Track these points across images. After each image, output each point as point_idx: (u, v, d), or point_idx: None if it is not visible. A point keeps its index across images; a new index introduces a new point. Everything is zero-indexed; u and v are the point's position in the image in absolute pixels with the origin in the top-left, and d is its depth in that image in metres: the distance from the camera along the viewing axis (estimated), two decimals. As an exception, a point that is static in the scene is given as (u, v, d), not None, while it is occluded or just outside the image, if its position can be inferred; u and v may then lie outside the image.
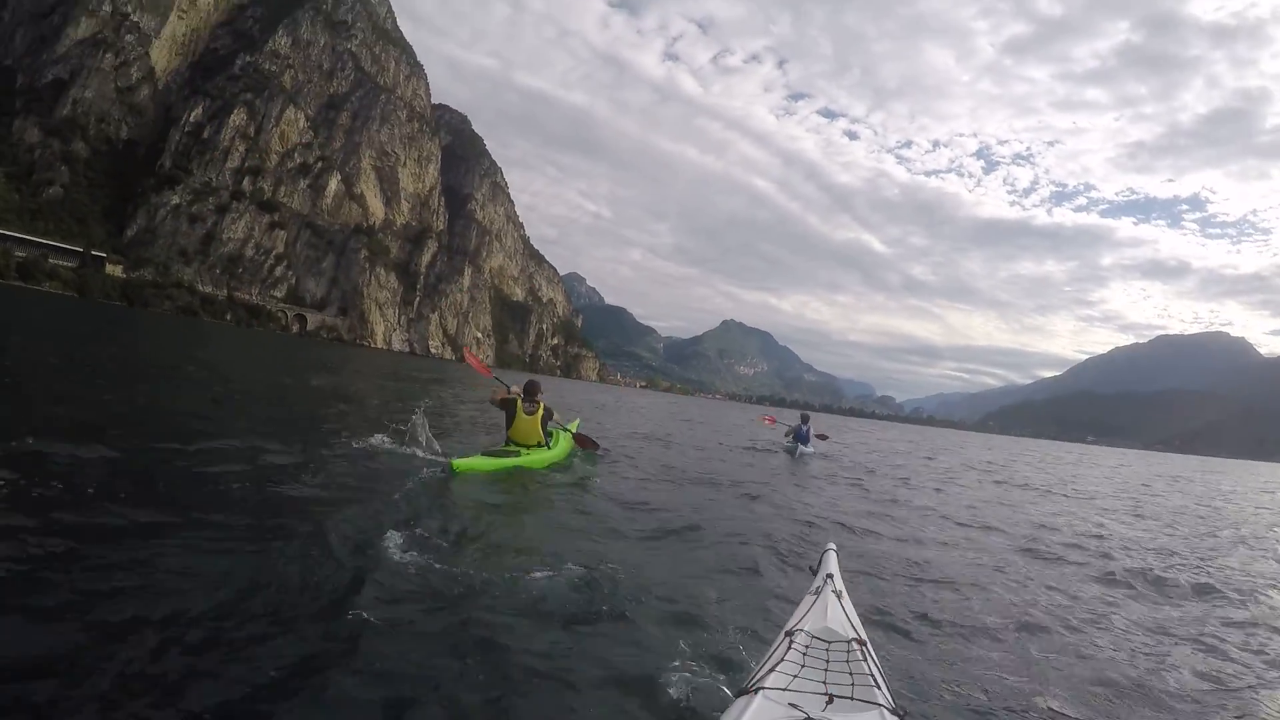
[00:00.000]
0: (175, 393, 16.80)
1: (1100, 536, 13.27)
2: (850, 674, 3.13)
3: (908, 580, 7.75)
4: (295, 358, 52.40)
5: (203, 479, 7.71)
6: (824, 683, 3.06)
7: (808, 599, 4.12)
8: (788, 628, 3.67)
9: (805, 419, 24.17)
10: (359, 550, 5.90)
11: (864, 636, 3.52)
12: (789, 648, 3.38)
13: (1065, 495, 22.92)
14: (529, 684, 4.08)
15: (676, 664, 4.41)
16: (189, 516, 6.14)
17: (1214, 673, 6.08)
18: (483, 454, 11.02)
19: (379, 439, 11.51)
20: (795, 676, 3.12)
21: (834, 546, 4.87)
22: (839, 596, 3.97)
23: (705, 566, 7.13)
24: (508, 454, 11.38)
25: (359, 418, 16.59)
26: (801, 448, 22.55)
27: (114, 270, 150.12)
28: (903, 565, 8.49)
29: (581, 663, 4.41)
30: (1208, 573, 10.71)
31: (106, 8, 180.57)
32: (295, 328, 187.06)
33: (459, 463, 10.12)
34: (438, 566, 5.79)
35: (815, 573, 4.57)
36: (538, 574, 5.93)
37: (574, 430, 14.43)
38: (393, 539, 6.13)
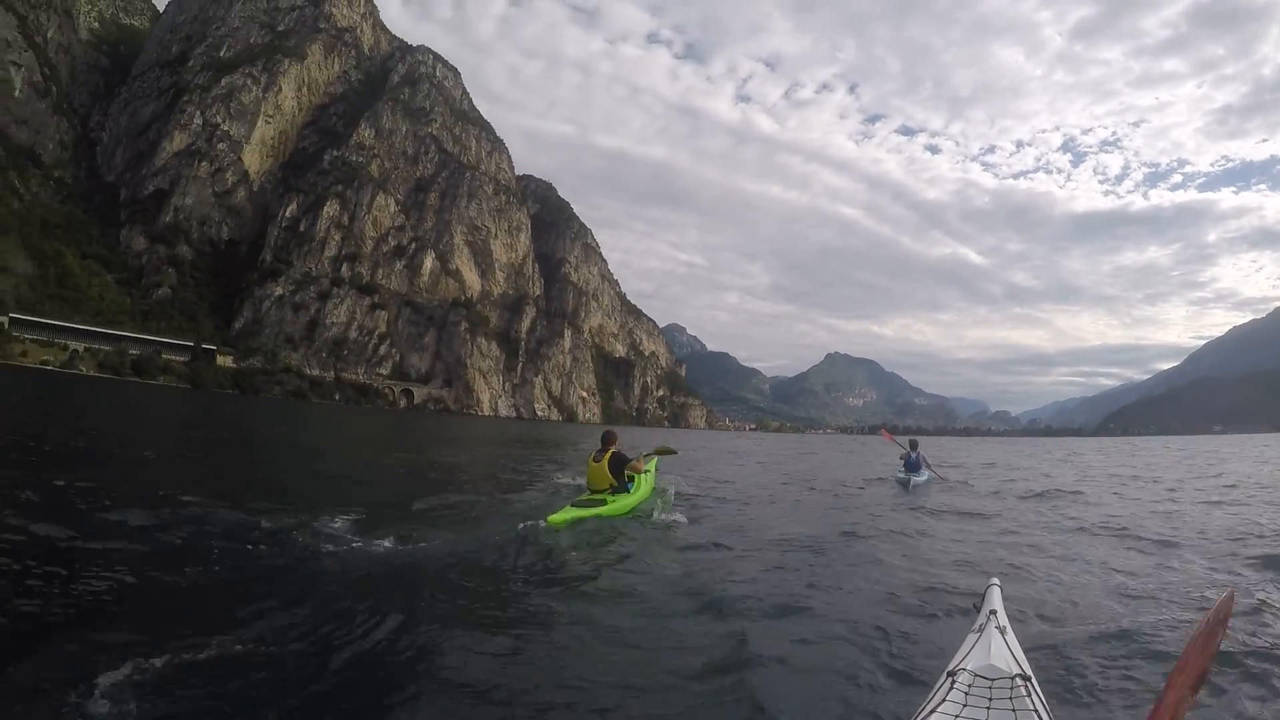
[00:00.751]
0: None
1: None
2: (1014, 711, 3.05)
3: (1074, 610, 7.21)
4: (403, 429, 54.44)
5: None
6: None
7: (970, 637, 3.97)
8: (950, 668, 3.56)
9: (914, 445, 22.64)
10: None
11: (1029, 672, 3.39)
12: (951, 687, 3.29)
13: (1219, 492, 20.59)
14: None
15: (834, 703, 4.54)
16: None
17: None
18: (571, 505, 11.69)
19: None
20: (956, 717, 3.05)
21: (997, 581, 4.64)
22: (1003, 632, 3.84)
23: (845, 612, 6.74)
24: (590, 503, 11.96)
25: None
26: (914, 477, 20.86)
27: (224, 361, 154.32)
28: (1066, 594, 7.84)
29: (730, 714, 4.44)
30: None
31: (198, 121, 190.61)
32: (403, 402, 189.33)
33: (554, 517, 10.77)
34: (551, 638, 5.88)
35: (978, 610, 4.39)
36: (668, 623, 6.23)
37: (653, 467, 14.97)
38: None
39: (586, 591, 7.37)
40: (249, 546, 7.76)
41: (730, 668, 5.05)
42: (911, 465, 21.42)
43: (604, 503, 12.02)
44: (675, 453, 16.74)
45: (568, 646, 5.55)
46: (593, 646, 5.58)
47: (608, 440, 13.03)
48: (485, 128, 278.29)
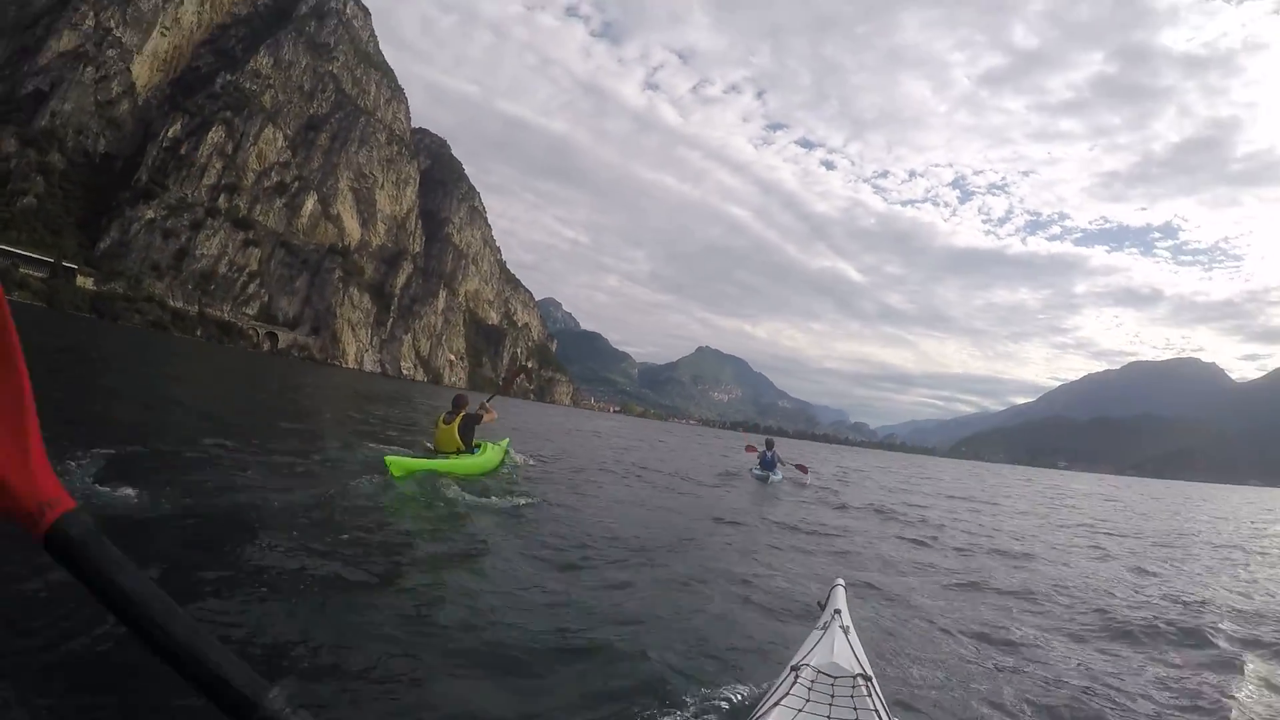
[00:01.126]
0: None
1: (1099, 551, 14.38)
2: (855, 709, 3.11)
3: (914, 614, 7.73)
4: (261, 375, 52.65)
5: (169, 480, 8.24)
6: (829, 717, 3.05)
7: (814, 634, 4.14)
8: (793, 662, 3.69)
9: (770, 444, 24.07)
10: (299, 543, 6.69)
11: (870, 672, 3.52)
12: (794, 682, 3.38)
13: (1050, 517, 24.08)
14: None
15: (677, 699, 4.43)
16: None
17: None
18: (413, 456, 11.92)
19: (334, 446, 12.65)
20: (799, 711, 3.10)
21: (842, 582, 4.88)
22: (846, 632, 3.97)
23: (694, 598, 7.07)
24: (434, 456, 12.40)
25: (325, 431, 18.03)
26: (771, 475, 22.45)
27: (85, 282, 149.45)
28: (907, 598, 8.47)
29: (572, 700, 4.41)
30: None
31: (90, 22, 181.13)
32: (266, 345, 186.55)
33: (393, 460, 10.90)
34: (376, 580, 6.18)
35: (823, 608, 4.61)
36: (503, 603, 6.06)
37: (505, 445, 15.64)
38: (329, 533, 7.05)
39: (417, 548, 7.53)
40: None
41: (565, 649, 5.08)
42: (767, 463, 22.73)
43: (445, 459, 12.31)
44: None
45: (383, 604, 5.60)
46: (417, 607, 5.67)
47: (459, 404, 13.25)
48: (388, 74, 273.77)
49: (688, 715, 4.16)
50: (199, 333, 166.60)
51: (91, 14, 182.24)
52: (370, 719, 3.94)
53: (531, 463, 16.78)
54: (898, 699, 4.80)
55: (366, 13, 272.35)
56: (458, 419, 12.93)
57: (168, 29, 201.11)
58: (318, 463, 11.71)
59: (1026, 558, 13.31)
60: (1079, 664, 6.79)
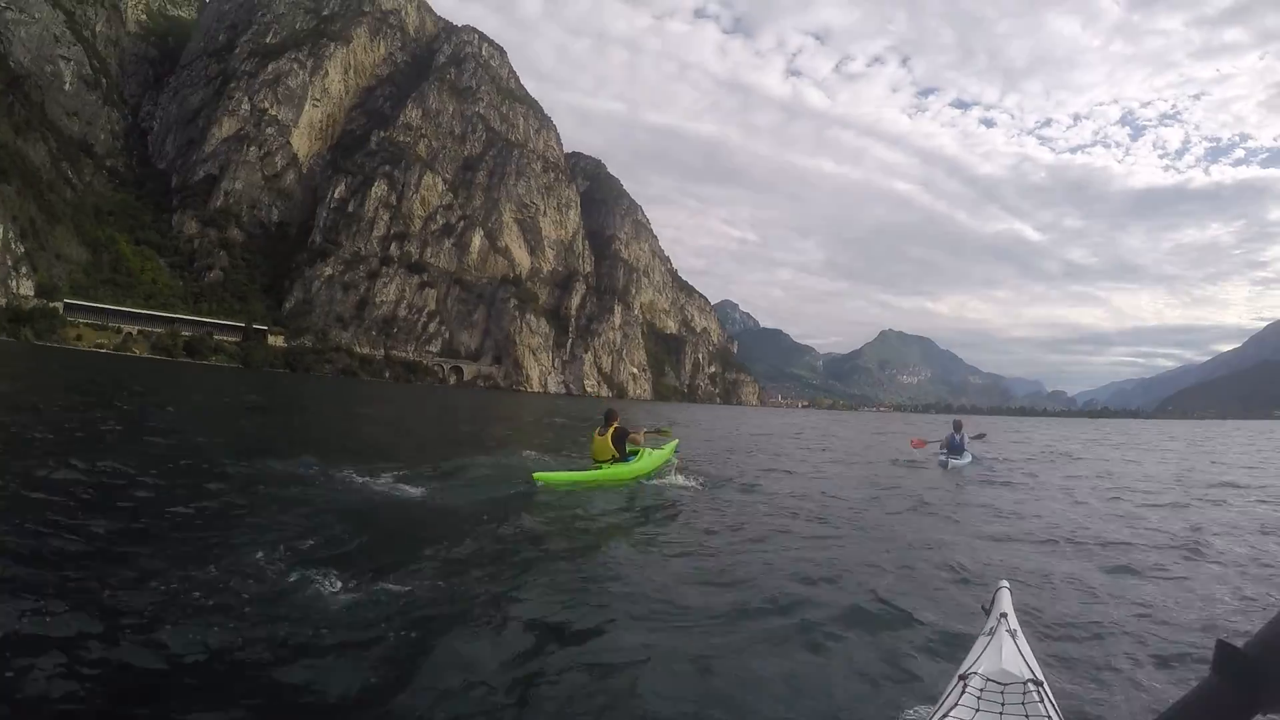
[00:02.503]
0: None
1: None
2: (1026, 715, 2.99)
3: (1088, 613, 6.93)
4: (449, 404, 55.10)
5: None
6: None
7: (981, 640, 3.90)
8: (961, 671, 3.48)
9: (958, 426, 21.46)
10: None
11: (1040, 677, 3.30)
12: (963, 692, 3.21)
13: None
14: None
15: (845, 709, 4.45)
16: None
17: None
18: (569, 470, 12.84)
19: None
20: None
21: (1007, 584, 4.40)
22: (1014, 636, 3.75)
23: (849, 607, 6.49)
24: (587, 469, 13.12)
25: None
26: (954, 460, 19.98)
27: (275, 341, 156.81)
28: (1082, 596, 7.59)
29: (727, 691, 4.45)
30: None
31: (245, 107, 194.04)
32: (453, 379, 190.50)
33: (540, 475, 11.76)
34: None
35: (988, 613, 4.24)
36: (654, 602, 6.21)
37: (668, 450, 15.54)
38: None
39: (572, 552, 7.96)
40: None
41: (724, 655, 4.96)
42: (954, 447, 20.57)
43: (598, 469, 13.13)
44: (668, 433, 16.99)
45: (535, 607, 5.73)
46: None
47: (610, 417, 13.92)
48: (533, 106, 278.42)
49: None
50: (387, 374, 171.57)
51: (246, 99, 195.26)
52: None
53: (682, 481, 15.14)
54: (1072, 705, 4.67)
55: (502, 51, 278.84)
56: (610, 430, 13.55)
57: (318, 100, 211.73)
58: (482, 476, 12.95)
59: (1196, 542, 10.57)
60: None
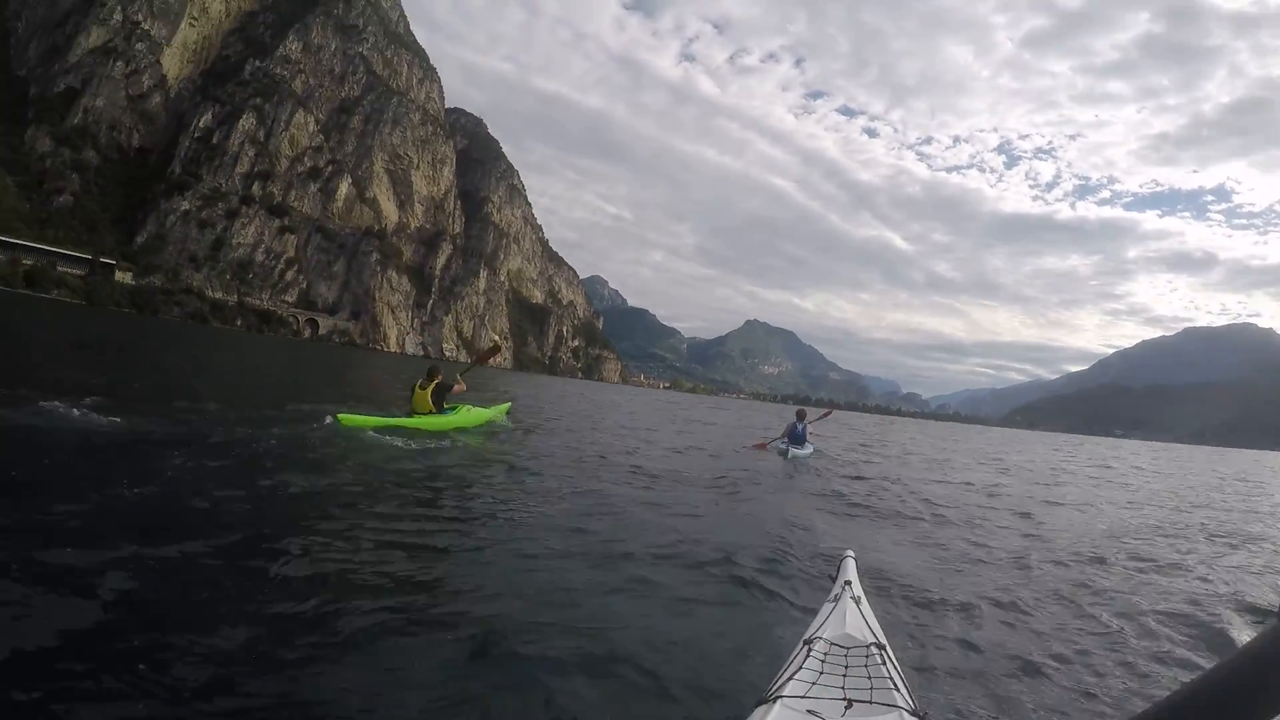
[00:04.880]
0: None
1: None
2: (869, 678, 3.09)
3: (928, 583, 7.33)
4: (293, 361, 51.46)
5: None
6: (843, 688, 3.01)
7: (826, 606, 4.04)
8: (806, 636, 3.60)
9: (801, 416, 21.29)
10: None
11: (883, 641, 3.46)
12: (807, 655, 3.33)
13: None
14: (512, 693, 3.95)
15: (692, 670, 4.41)
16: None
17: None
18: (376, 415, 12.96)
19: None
20: (814, 684, 3.06)
21: (852, 553, 4.67)
22: (858, 602, 3.91)
23: (698, 575, 6.66)
24: (398, 415, 13.45)
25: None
26: (794, 450, 19.72)
27: (123, 277, 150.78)
28: (920, 567, 8.12)
29: (583, 673, 4.27)
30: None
31: (117, 17, 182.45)
32: (307, 332, 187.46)
33: (345, 416, 12.09)
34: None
35: (834, 580, 4.44)
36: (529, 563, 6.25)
37: (492, 414, 16.99)
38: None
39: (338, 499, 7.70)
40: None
41: (571, 622, 4.96)
42: (796, 437, 20.28)
43: (411, 418, 13.49)
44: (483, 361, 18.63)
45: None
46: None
47: (432, 373, 14.22)
48: (420, 54, 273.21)
49: (704, 696, 4.16)
50: (239, 322, 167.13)
51: (119, 8, 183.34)
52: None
53: (511, 425, 17.37)
54: (913, 666, 4.80)
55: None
56: (431, 385, 13.96)
57: (195, 19, 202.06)
58: (287, 419, 12.33)
59: (1034, 524, 12.49)
60: (1079, 628, 6.50)
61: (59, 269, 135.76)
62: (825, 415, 28.55)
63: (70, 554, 4.79)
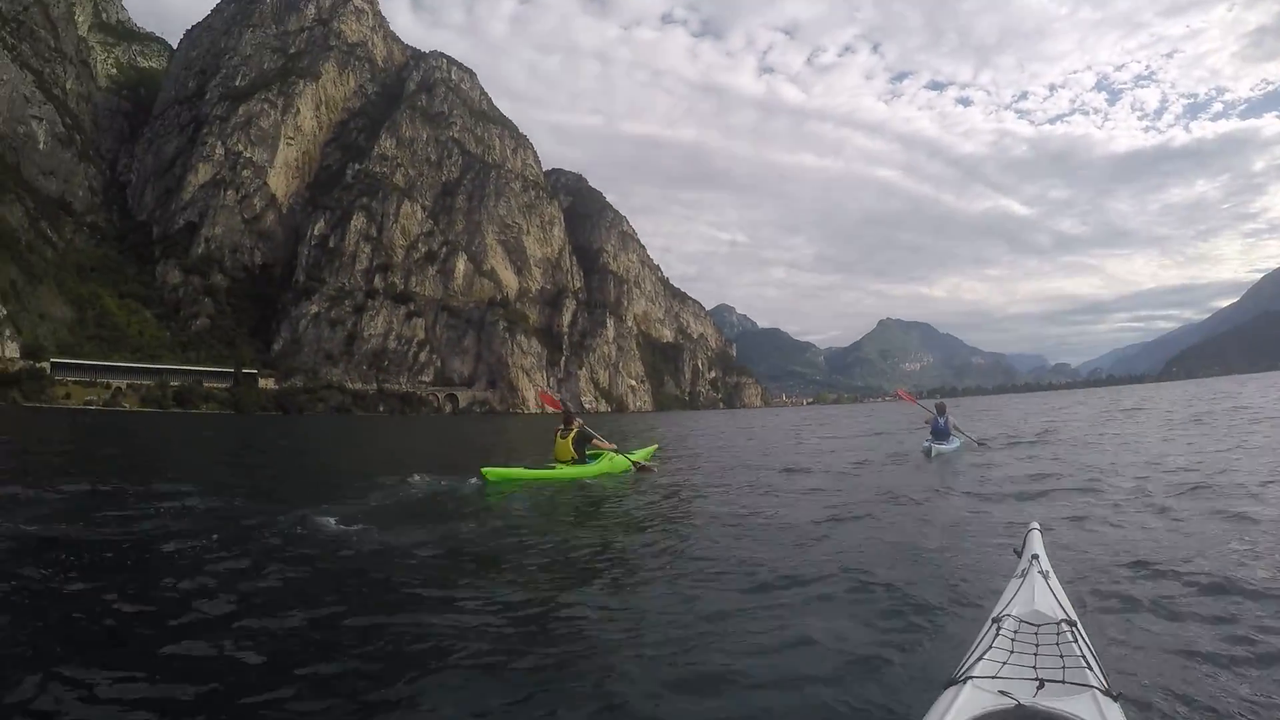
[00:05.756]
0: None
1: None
2: (1061, 656, 3.06)
3: (1119, 556, 6.95)
4: (444, 434, 52.79)
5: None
6: (1034, 667, 2.99)
7: (1013, 582, 4.02)
8: (994, 613, 3.61)
9: (941, 410, 20.33)
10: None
11: (1074, 617, 3.43)
12: (997, 634, 3.32)
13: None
14: (690, 683, 4.09)
15: (879, 656, 4.43)
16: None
17: None
18: (523, 467, 13.57)
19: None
20: (1004, 663, 3.05)
21: (1037, 525, 4.65)
22: (1045, 577, 3.88)
23: (872, 568, 6.57)
24: (542, 468, 13.65)
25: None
26: (937, 446, 18.62)
27: (266, 384, 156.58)
28: (1112, 540, 7.69)
29: (767, 657, 4.44)
30: None
31: (220, 151, 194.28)
32: (448, 408, 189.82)
33: (489, 470, 12.70)
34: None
35: (1019, 555, 4.43)
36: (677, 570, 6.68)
37: (639, 457, 15.92)
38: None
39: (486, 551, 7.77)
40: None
41: (744, 629, 4.95)
42: (939, 431, 19.68)
43: (553, 469, 13.67)
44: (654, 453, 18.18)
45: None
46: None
47: (569, 419, 14.46)
48: (507, 126, 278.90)
49: (895, 681, 4.12)
50: (381, 408, 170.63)
51: (220, 143, 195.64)
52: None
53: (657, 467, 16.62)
54: (1106, 643, 4.61)
55: (472, 74, 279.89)
56: (572, 434, 14.02)
57: (291, 138, 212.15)
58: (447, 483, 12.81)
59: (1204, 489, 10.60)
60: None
61: (205, 385, 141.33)
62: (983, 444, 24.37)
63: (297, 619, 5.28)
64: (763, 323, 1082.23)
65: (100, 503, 10.73)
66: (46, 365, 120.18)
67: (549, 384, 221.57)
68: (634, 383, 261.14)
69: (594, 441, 14.30)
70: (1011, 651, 3.09)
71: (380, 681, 4.12)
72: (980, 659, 3.06)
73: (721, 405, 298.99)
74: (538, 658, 4.45)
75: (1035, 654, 3.06)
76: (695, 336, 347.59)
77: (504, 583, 6.30)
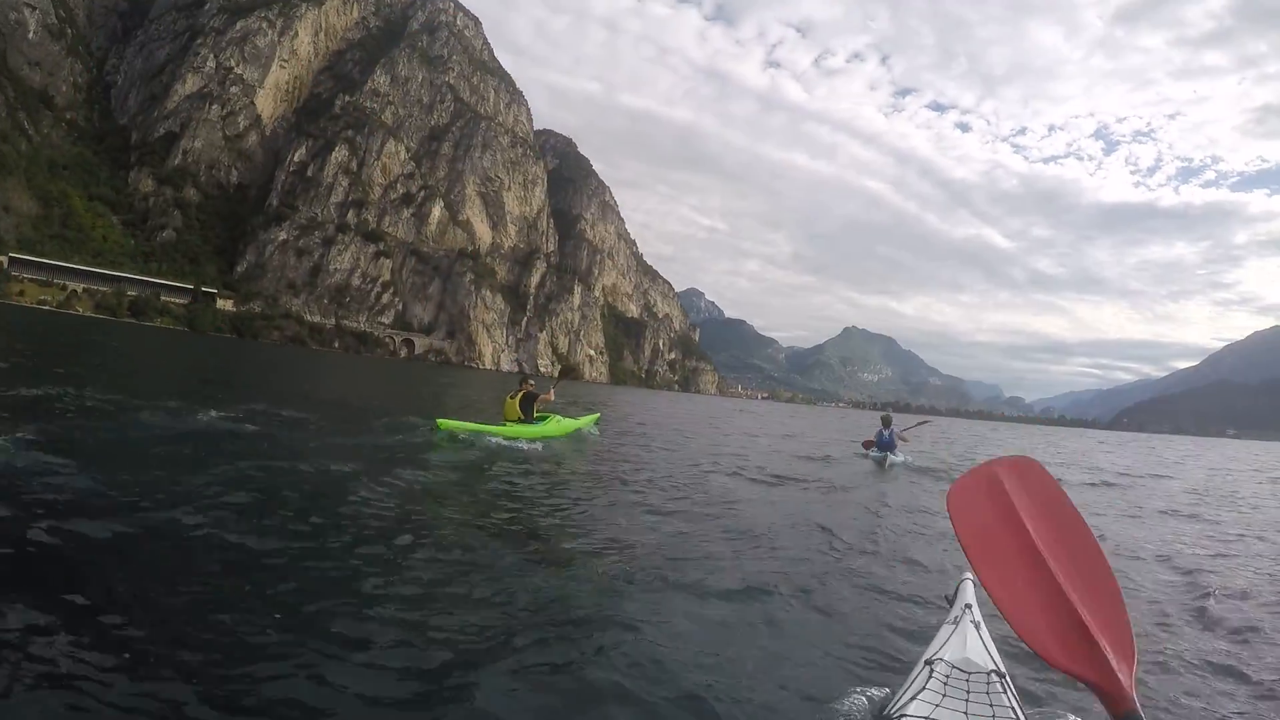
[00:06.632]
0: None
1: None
2: (990, 705, 3.09)
3: None
4: (392, 379, 52.59)
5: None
6: (965, 714, 3.04)
7: (945, 628, 4.03)
8: (927, 656, 3.61)
9: (887, 423, 21.20)
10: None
11: (1003, 669, 3.45)
12: (930, 676, 3.36)
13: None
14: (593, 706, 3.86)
15: (811, 695, 4.28)
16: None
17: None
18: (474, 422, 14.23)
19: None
20: (937, 706, 3.11)
21: (971, 575, 4.54)
22: (977, 627, 3.87)
23: (804, 588, 6.45)
24: (493, 424, 14.42)
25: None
26: (890, 456, 19.75)
27: (224, 305, 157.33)
28: None
29: (697, 680, 4.21)
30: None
31: (211, 64, 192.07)
32: (403, 352, 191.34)
33: (444, 421, 13.54)
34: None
35: (951, 602, 4.46)
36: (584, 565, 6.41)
37: (583, 424, 18.05)
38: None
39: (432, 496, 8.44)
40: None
41: (675, 632, 4.89)
42: (884, 443, 20.38)
43: (504, 426, 14.41)
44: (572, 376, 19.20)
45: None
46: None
47: (524, 383, 15.38)
48: (505, 79, 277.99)
49: (829, 712, 4.01)
50: (336, 345, 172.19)
51: (212, 56, 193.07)
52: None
53: (599, 434, 18.58)
54: (1031, 695, 4.57)
55: (477, 22, 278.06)
56: (520, 394, 15.03)
57: (286, 61, 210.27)
58: (391, 428, 14.34)
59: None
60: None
61: (162, 299, 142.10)
62: (923, 424, 27.30)
63: (204, 520, 5.85)
64: (730, 312, 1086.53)
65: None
66: (4, 260, 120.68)
67: (508, 342, 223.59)
68: (593, 353, 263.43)
69: (541, 398, 15.15)
70: (944, 695, 3.18)
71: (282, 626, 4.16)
72: (914, 699, 3.16)
73: (677, 388, 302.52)
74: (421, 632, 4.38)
75: (966, 700, 3.14)
76: (660, 316, 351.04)
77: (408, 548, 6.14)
